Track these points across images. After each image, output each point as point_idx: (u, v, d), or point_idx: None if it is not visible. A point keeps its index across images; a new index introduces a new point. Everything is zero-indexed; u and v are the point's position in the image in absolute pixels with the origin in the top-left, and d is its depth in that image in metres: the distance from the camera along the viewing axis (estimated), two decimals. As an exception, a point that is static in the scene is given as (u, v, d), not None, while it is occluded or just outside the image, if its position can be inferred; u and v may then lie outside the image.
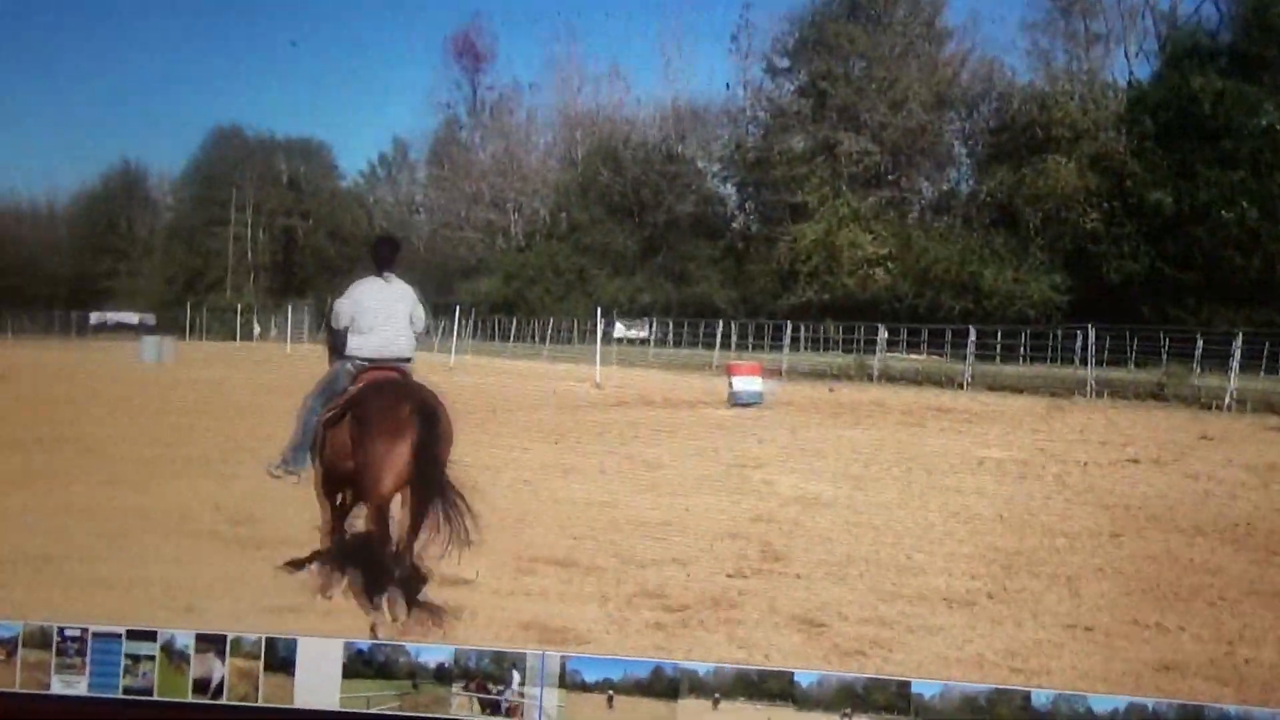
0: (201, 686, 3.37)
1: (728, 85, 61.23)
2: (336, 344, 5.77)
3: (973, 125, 49.05)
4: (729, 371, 19.78)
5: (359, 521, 5.72)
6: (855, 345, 32.75)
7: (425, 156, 68.65)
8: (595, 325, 27.46)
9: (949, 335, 30.33)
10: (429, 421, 5.22)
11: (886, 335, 31.51)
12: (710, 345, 35.44)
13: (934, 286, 39.20)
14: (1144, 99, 38.96)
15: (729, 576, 6.21)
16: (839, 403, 20.10)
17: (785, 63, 53.76)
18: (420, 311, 5.96)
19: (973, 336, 27.51)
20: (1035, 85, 43.93)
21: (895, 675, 3.39)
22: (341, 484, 5.60)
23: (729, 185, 57.31)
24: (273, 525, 7.26)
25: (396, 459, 5.09)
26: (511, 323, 43.00)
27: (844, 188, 44.54)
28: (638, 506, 8.39)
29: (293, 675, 3.34)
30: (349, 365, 5.67)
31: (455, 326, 30.33)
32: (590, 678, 3.33)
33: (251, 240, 72.58)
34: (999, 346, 30.78)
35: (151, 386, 21.53)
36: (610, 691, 3.29)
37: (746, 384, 18.97)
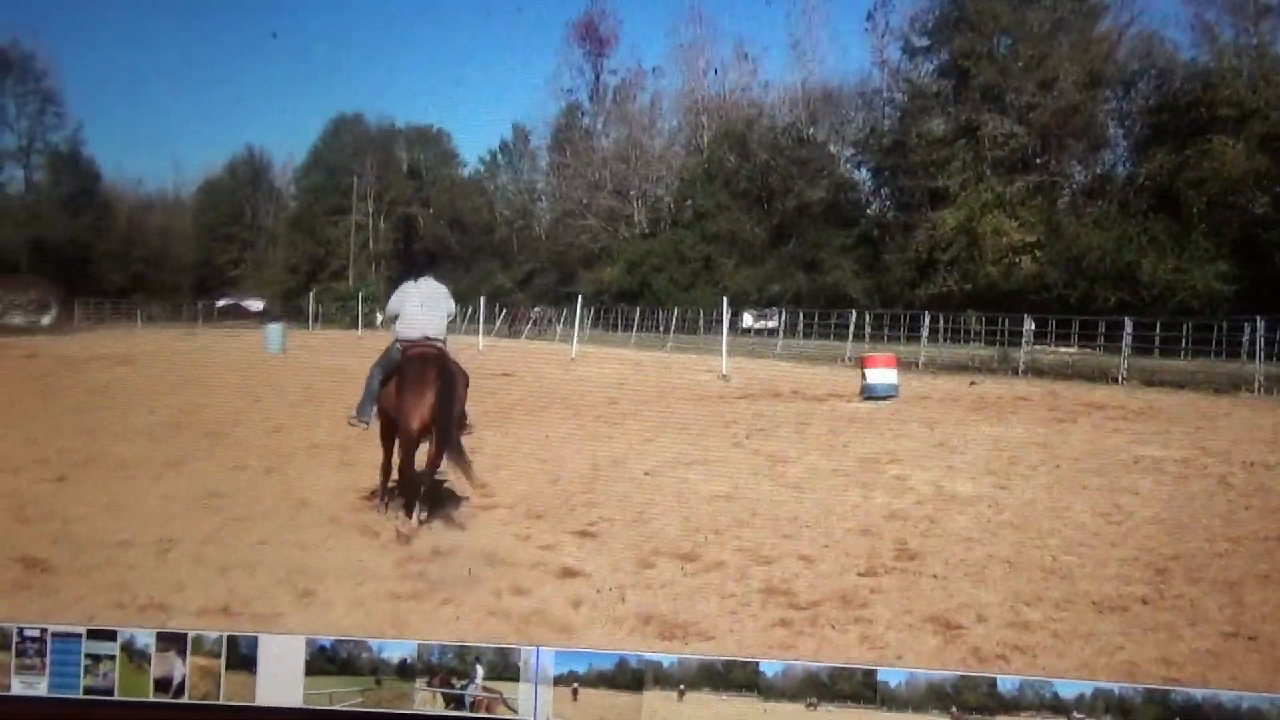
0: (163, 686, 3.39)
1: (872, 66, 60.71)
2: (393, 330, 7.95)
3: (1129, 105, 47.33)
4: (862, 364, 19.49)
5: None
6: (999, 337, 31.88)
7: (546, 143, 69.38)
8: (721, 315, 27.38)
9: (1102, 327, 29.32)
10: (448, 382, 7.33)
11: (1033, 327, 30.57)
12: (842, 336, 34.96)
13: (1086, 276, 38.01)
14: (1321, 74, 37.13)
15: (860, 575, 6.15)
16: (980, 397, 19.69)
17: (924, 41, 52.66)
18: (450, 305, 7.99)
19: (1129, 328, 26.53)
20: (1199, 61, 42.13)
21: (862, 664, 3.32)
22: (393, 431, 7.62)
23: (863, 170, 56.50)
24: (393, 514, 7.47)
25: (423, 406, 7.21)
26: (635, 313, 43.14)
27: (987, 172, 43.52)
28: (764, 501, 8.36)
29: (255, 673, 3.37)
30: (397, 344, 7.73)
31: (577, 316, 30.52)
32: (556, 670, 3.32)
33: (373, 229, 74.64)
34: (1158, 339, 29.71)
35: (275, 373, 22.33)
36: (575, 684, 3.28)
37: (881, 376, 18.71)
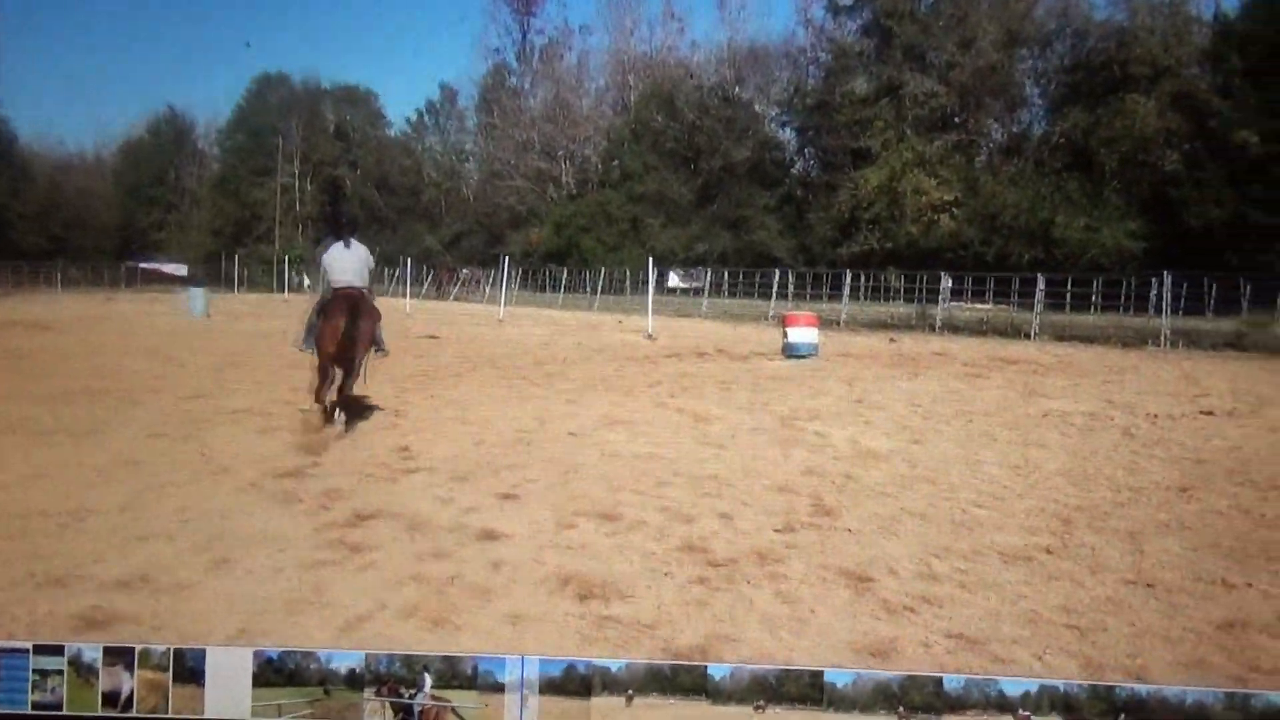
0: (111, 700, 3.36)
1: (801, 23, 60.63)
2: (324, 281, 10.07)
3: (1046, 64, 47.95)
4: (784, 322, 19.73)
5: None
6: (918, 295, 32.32)
7: (474, 104, 68.68)
8: (648, 275, 27.44)
9: (1016, 284, 29.80)
10: (354, 316, 9.45)
11: (951, 284, 31.00)
12: (766, 296, 35.22)
13: (1002, 234, 38.64)
14: (1231, 34, 37.80)
15: (777, 531, 6.21)
16: (900, 354, 19.97)
17: (849, 0, 52.81)
18: (370, 261, 10.06)
19: (1041, 285, 27.04)
20: (1114, 21, 42.71)
21: (809, 665, 3.38)
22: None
23: (788, 130, 56.72)
24: (313, 478, 7.39)
25: (337, 332, 9.39)
26: (563, 273, 43.10)
27: (909, 131, 43.85)
28: (686, 460, 8.41)
29: (202, 685, 3.36)
30: (329, 290, 9.83)
31: (504, 278, 30.46)
32: (502, 677, 3.32)
33: (299, 191, 73.02)
34: (1069, 296, 30.28)
35: (198, 338, 21.93)
36: (524, 691, 3.29)
37: (802, 335, 18.91)
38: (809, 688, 3.24)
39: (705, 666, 3.31)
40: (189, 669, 3.36)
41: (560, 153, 58.55)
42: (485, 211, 59.33)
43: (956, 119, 45.65)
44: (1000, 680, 3.22)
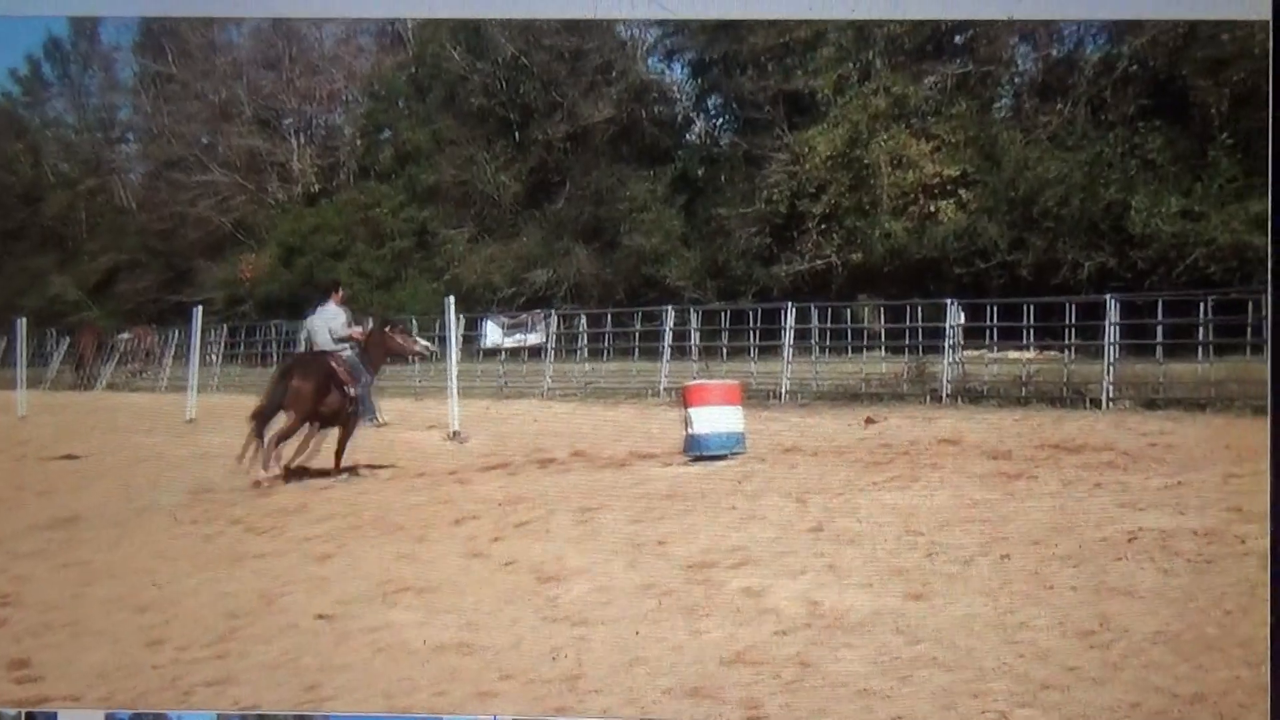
0: None
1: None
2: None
3: (1100, -55, 49.54)
4: (686, 399, 19.77)
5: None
6: (910, 339, 32.52)
7: (131, 41, 67.86)
8: (449, 329, 27.32)
9: (1072, 314, 30.09)
10: (284, 376, 16.35)
11: (964, 319, 31.06)
12: (653, 354, 34.95)
13: (1044, 230, 39.35)
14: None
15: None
16: (882, 443, 20.21)
17: None
18: (336, 325, 16.50)
19: (1114, 314, 27.53)
20: None
21: None
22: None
23: (677, 66, 57.19)
24: None
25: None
26: (299, 332, 42.15)
27: (878, 62, 44.70)
28: (523, 651, 8.38)
29: None
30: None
31: (195, 345, 29.59)
32: None
33: None
34: (1161, 330, 30.77)
35: None
36: None
37: (716, 420, 18.99)
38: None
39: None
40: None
41: (288, 121, 58.35)
42: (158, 229, 58.82)
43: (956, 40, 46.70)
44: None
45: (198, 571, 11.52)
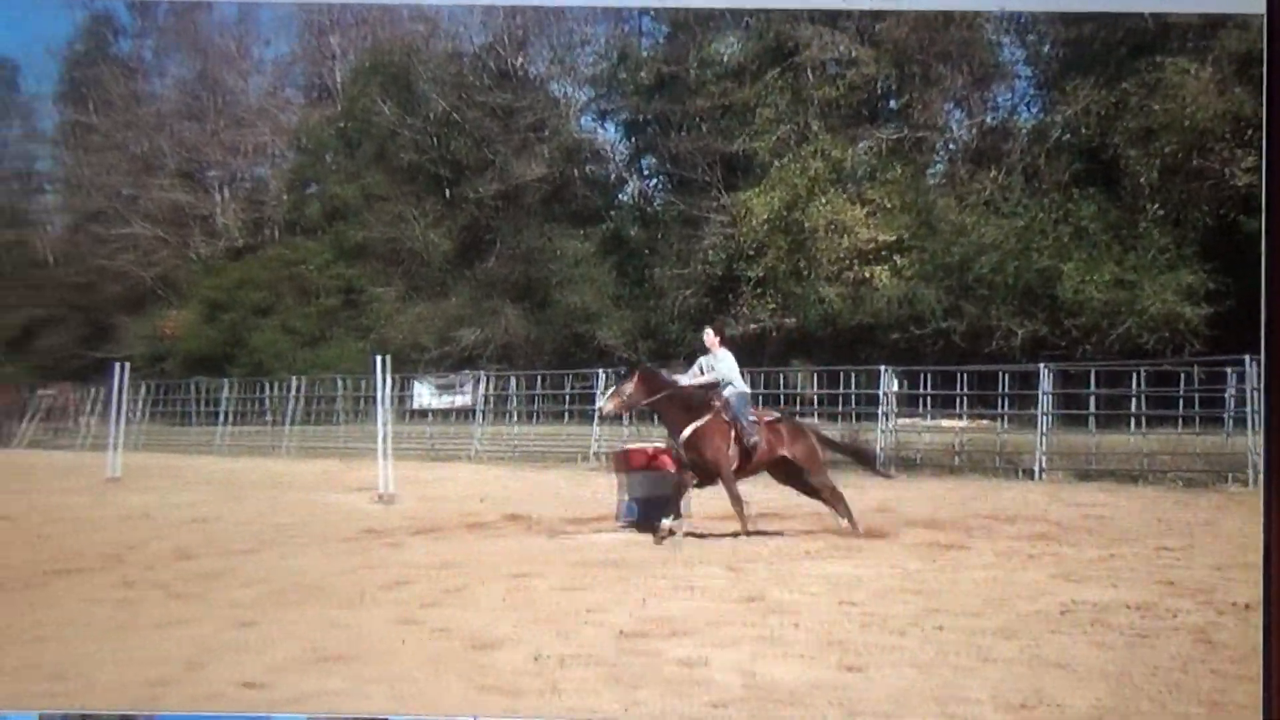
0: None
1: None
2: None
3: (1035, 15, 49.84)
4: (622, 463, 19.98)
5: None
6: (845, 406, 32.69)
7: (53, 90, 67.50)
8: (378, 389, 27.26)
9: (1005, 383, 30.29)
10: None
11: (898, 387, 31.28)
12: (582, 415, 34.93)
13: (979, 297, 39.57)
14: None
15: None
16: (819, 512, 20.34)
17: (702, -96, 54.44)
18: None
19: (1047, 383, 27.72)
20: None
21: None
22: None
23: (610, 126, 57.25)
24: None
25: None
26: (224, 390, 42.05)
27: (815, 125, 44.94)
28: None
29: None
30: None
31: (118, 404, 29.44)
32: None
33: None
34: (1094, 400, 31.04)
35: None
36: None
37: (652, 486, 19.08)
38: None
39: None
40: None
41: (213, 174, 58.19)
42: (79, 282, 58.44)
43: (892, 103, 47.01)
44: None
45: (116, 638, 11.48)
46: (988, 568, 14.76)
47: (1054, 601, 12.27)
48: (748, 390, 18.48)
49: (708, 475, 17.66)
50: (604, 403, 20.26)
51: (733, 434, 17.52)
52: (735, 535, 17.40)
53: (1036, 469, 26.00)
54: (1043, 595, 12.64)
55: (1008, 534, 17.66)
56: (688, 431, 17.54)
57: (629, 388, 18.28)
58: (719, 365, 18.07)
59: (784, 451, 17.94)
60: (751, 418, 17.86)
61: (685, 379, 18.31)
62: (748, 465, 17.76)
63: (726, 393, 17.78)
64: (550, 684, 9.54)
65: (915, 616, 11.77)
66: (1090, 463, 26.11)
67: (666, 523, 18.15)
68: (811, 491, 18.21)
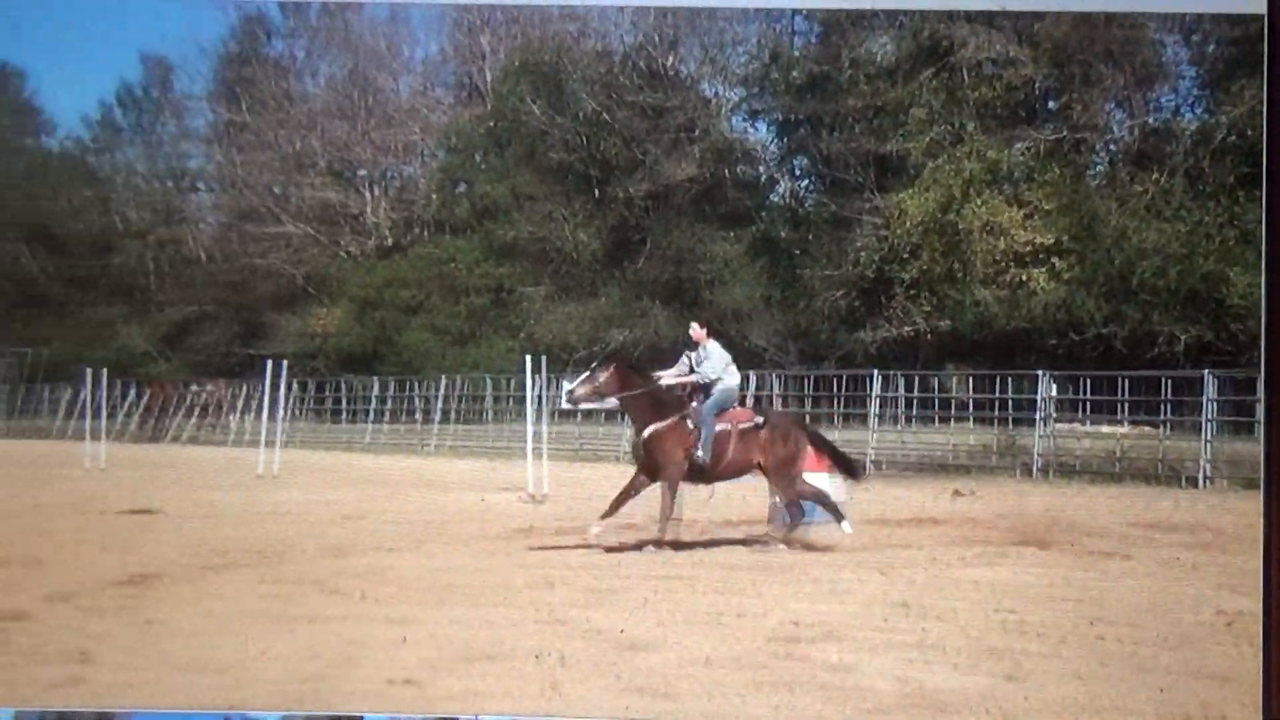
0: None
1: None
2: None
3: (1198, 15, 49.07)
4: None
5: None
6: (1000, 410, 32.30)
7: (206, 89, 68.18)
8: (527, 389, 27.24)
9: (1168, 388, 29.81)
10: None
11: (1056, 391, 30.86)
12: (737, 414, 34.81)
13: (1140, 301, 39.00)
14: None
15: None
16: (973, 517, 20.11)
17: (857, -96, 54.11)
18: None
19: (1212, 389, 27.25)
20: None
21: None
22: None
23: (761, 126, 57.00)
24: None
25: None
26: (373, 388, 42.27)
27: (971, 125, 44.51)
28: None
29: None
30: None
31: (266, 400, 29.59)
32: None
33: None
34: (1264, 405, 30.47)
35: None
36: None
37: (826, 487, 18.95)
38: None
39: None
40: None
41: (363, 173, 58.63)
42: (231, 280, 59.10)
43: (1051, 103, 46.44)
44: None
45: (265, 630, 11.54)
46: (1149, 576, 14.48)
47: (1215, 610, 12.02)
48: (736, 384, 18.46)
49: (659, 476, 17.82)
50: (575, 386, 20.04)
51: (693, 442, 17.62)
52: (640, 546, 17.55)
53: (1200, 477, 25.54)
54: (1205, 606, 12.39)
55: (1169, 543, 17.34)
56: (648, 431, 17.87)
57: (604, 377, 18.50)
58: (706, 359, 18.02)
59: (757, 459, 17.72)
60: (718, 427, 17.67)
61: (670, 374, 18.26)
62: (714, 472, 17.73)
63: (716, 388, 17.78)
64: (694, 688, 9.45)
65: (1074, 626, 11.56)
66: (1256, 470, 25.67)
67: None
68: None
